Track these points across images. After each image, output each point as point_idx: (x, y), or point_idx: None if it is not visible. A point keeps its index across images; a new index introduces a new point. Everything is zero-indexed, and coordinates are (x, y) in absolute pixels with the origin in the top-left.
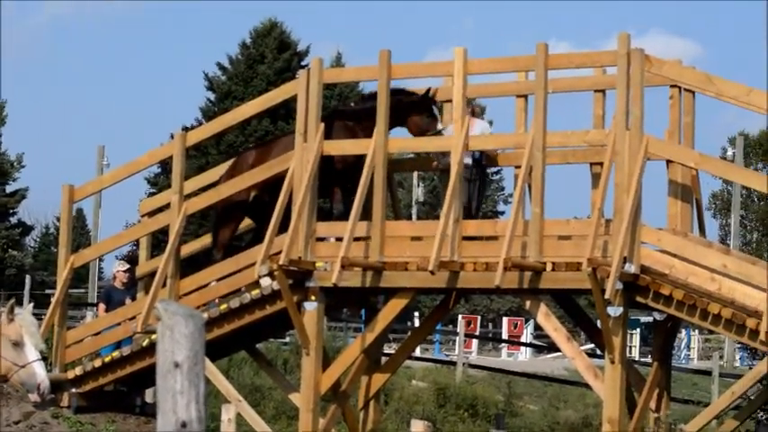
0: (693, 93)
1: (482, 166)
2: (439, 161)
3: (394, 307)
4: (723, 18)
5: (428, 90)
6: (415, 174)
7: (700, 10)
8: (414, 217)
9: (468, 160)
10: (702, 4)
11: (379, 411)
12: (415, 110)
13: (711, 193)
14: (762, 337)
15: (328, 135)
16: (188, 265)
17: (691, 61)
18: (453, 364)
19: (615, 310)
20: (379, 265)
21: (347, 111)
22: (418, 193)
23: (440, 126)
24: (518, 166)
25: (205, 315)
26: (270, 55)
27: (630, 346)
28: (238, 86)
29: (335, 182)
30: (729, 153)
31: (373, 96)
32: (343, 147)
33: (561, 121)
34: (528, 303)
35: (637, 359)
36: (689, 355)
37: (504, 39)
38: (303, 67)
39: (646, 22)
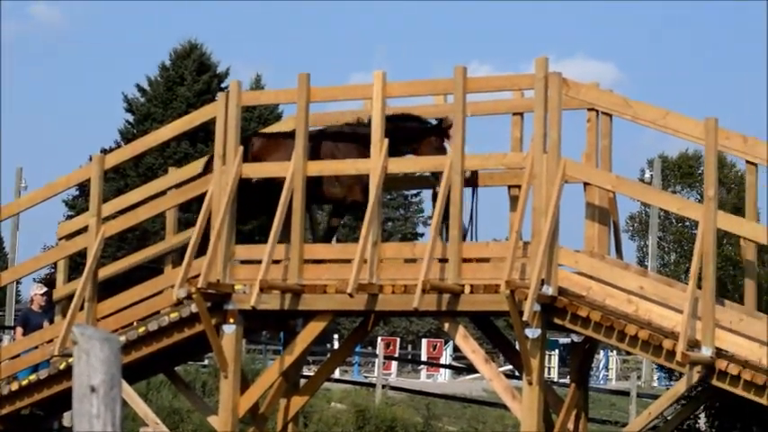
0: (611, 116)
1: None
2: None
3: (312, 330)
4: (645, 42)
5: (440, 121)
6: None
7: (622, 35)
8: (333, 239)
9: None
10: (624, 29)
11: None
12: (427, 138)
13: (629, 215)
14: (678, 358)
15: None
16: (106, 289)
17: (611, 85)
18: (372, 386)
19: (533, 332)
20: (298, 288)
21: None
22: None
23: None
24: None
25: (122, 338)
26: (189, 77)
27: (549, 367)
28: (158, 108)
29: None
30: (647, 175)
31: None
32: (262, 169)
33: (480, 144)
34: (446, 325)
35: (556, 380)
36: (607, 375)
37: (428, 61)
38: (223, 89)
39: (568, 46)
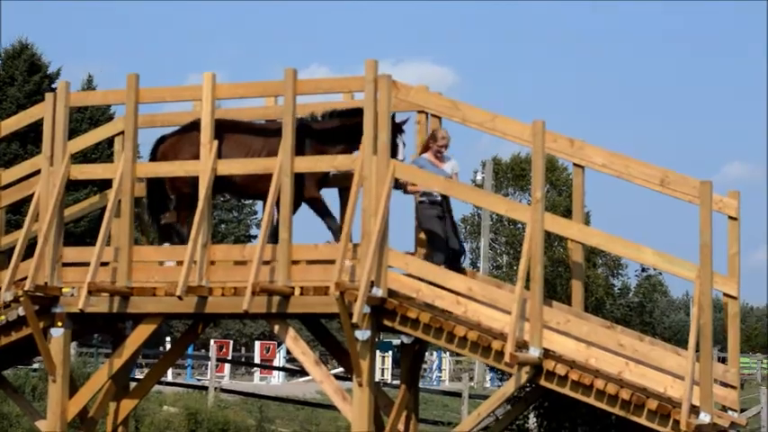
0: (440, 118)
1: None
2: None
3: (142, 332)
4: (481, 47)
5: (393, 115)
6: None
7: (460, 40)
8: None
9: (438, 197)
10: (462, 34)
11: None
12: None
13: (462, 217)
14: (506, 358)
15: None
16: None
17: (449, 88)
18: (205, 388)
19: (363, 334)
20: (127, 291)
21: (315, 129)
22: None
23: (400, 156)
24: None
25: None
26: (20, 77)
27: (383, 369)
28: None
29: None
30: (480, 177)
31: (338, 114)
32: (90, 171)
33: None
34: (276, 328)
35: (389, 381)
36: (440, 376)
37: (269, 64)
38: (54, 89)
39: (407, 50)
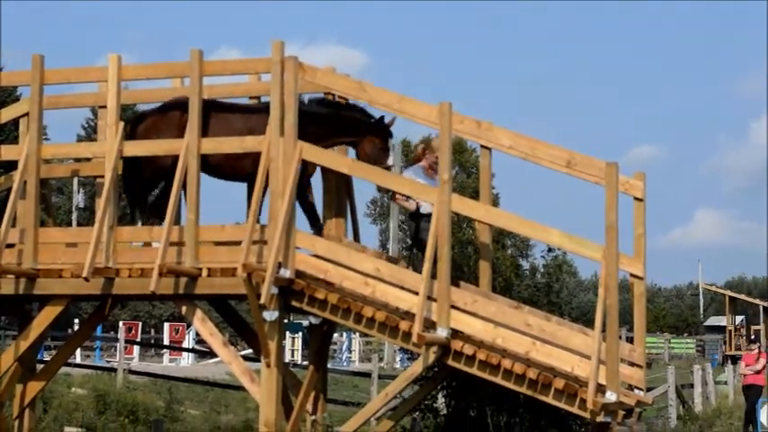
0: (347, 100)
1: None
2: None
3: (48, 314)
4: (392, 29)
5: (382, 117)
6: (76, 179)
7: (372, 22)
8: (74, 223)
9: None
10: (374, 17)
11: (34, 420)
12: (370, 134)
13: (372, 198)
14: (414, 339)
15: None
16: None
17: (361, 70)
18: (114, 370)
19: (270, 315)
20: (33, 272)
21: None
22: (78, 198)
23: (390, 161)
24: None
25: None
26: None
27: (293, 350)
28: None
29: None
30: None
31: (328, 103)
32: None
33: None
34: (184, 309)
35: (300, 362)
36: (350, 357)
37: (179, 47)
38: None
39: (318, 31)
